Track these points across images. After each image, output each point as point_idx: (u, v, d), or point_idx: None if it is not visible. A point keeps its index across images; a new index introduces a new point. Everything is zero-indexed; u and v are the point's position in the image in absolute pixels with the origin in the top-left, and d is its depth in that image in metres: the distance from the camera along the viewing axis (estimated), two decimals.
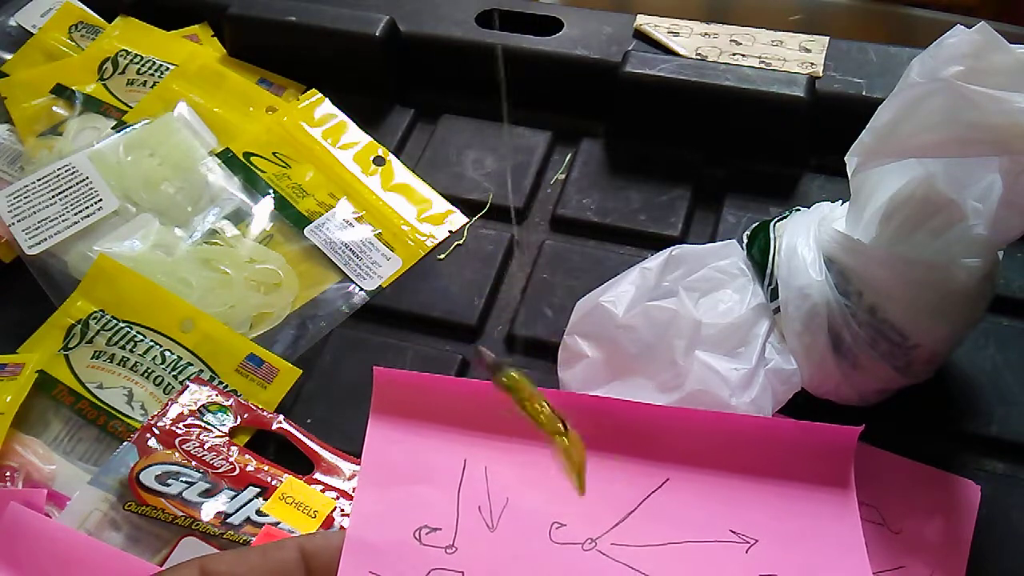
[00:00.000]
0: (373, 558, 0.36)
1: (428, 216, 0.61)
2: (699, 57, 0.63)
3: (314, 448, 0.50)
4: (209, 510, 0.47)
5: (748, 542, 0.37)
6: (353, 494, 0.48)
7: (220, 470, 0.49)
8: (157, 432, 0.50)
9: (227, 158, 0.63)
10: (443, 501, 0.38)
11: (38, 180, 0.61)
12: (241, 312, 0.57)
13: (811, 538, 0.37)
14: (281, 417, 0.52)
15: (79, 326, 0.55)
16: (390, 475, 0.39)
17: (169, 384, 0.53)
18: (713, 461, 0.39)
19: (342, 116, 0.66)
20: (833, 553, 0.36)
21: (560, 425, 0.36)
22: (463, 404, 0.40)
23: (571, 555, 0.36)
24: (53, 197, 0.60)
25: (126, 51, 0.70)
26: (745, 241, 0.52)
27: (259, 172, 0.63)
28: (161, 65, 0.69)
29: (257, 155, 0.64)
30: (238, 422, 0.51)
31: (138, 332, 0.55)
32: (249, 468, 0.49)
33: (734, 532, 0.37)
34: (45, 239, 0.58)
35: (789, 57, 0.63)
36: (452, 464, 0.39)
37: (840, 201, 0.50)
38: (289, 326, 0.57)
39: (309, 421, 0.52)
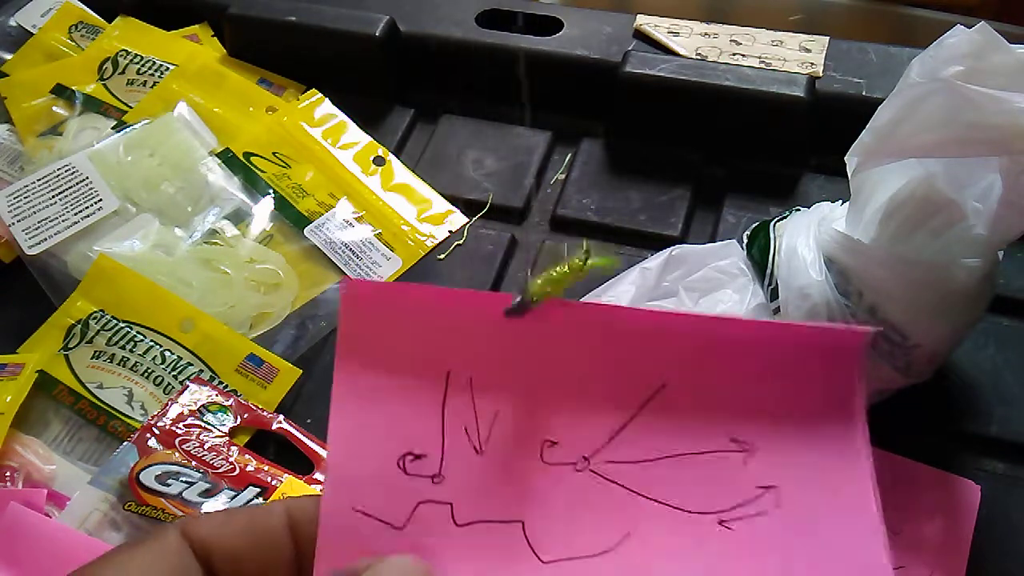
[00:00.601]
0: (357, 494, 0.34)
1: (428, 216, 0.61)
2: (699, 57, 0.63)
3: (314, 448, 0.50)
4: (209, 510, 0.47)
5: (747, 451, 0.34)
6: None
7: (220, 470, 0.49)
8: (157, 432, 0.50)
9: (227, 158, 0.63)
10: (426, 422, 0.35)
11: (38, 180, 0.61)
12: (241, 312, 0.57)
13: (813, 448, 0.34)
14: (281, 417, 0.52)
15: (79, 326, 0.55)
16: (367, 397, 0.35)
17: (169, 384, 0.53)
18: (711, 366, 0.36)
19: (342, 116, 0.66)
20: (836, 464, 0.34)
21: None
22: (443, 313, 0.36)
23: (564, 477, 0.34)
24: (53, 197, 0.60)
25: (126, 51, 0.70)
26: (745, 241, 0.52)
27: (259, 172, 0.63)
28: (161, 65, 0.69)
29: (257, 155, 0.64)
30: (238, 422, 0.51)
31: (138, 332, 0.55)
32: (249, 468, 0.49)
33: (734, 440, 0.35)
34: (45, 239, 0.58)
35: (789, 57, 0.63)
36: (434, 379, 0.35)
37: (840, 201, 0.50)
38: (289, 326, 0.57)
39: (309, 421, 0.52)
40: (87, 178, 0.61)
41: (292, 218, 0.61)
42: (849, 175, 0.45)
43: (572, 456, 0.34)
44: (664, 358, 0.36)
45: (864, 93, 0.60)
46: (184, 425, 0.50)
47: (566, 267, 0.34)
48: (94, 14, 0.73)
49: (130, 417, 0.52)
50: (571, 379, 0.35)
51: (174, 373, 0.53)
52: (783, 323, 0.40)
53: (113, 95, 0.68)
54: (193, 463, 0.49)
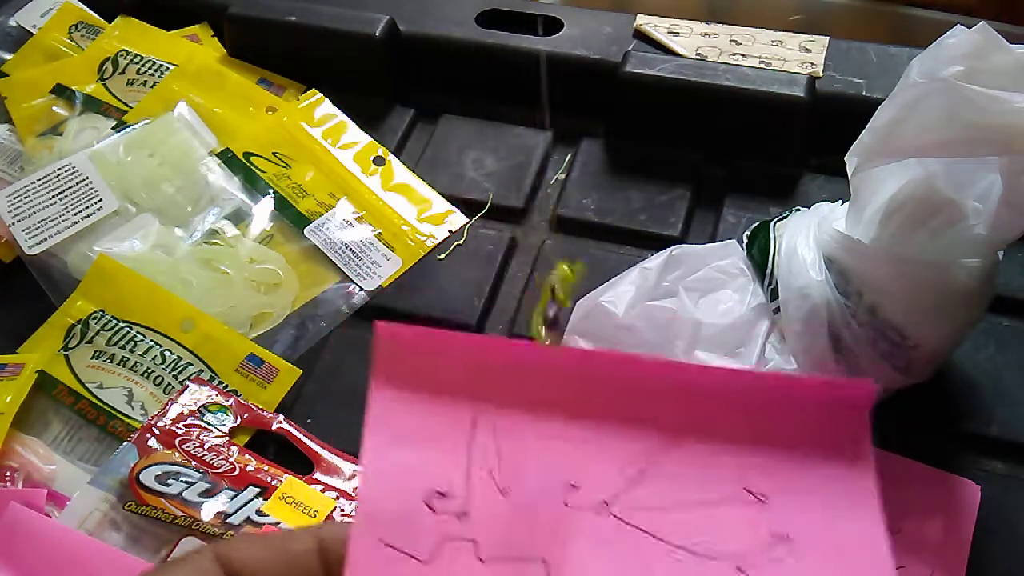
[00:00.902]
0: (384, 527, 0.35)
1: (428, 216, 0.61)
2: (699, 57, 0.63)
3: (314, 448, 0.50)
4: (209, 510, 0.47)
5: (762, 501, 0.36)
6: (355, 494, 0.48)
7: (220, 470, 0.49)
8: (157, 432, 0.50)
9: (227, 158, 0.63)
10: (453, 463, 0.37)
11: (38, 180, 0.61)
12: (241, 312, 0.57)
13: (824, 498, 0.36)
14: (281, 417, 0.52)
15: (79, 326, 0.55)
16: (397, 437, 0.37)
17: (169, 384, 0.53)
18: (723, 417, 0.38)
19: (342, 116, 0.66)
20: (847, 512, 0.35)
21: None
22: (472, 359, 0.38)
23: (585, 520, 0.36)
24: (53, 197, 0.60)
25: (126, 51, 0.70)
26: (745, 241, 0.52)
27: (259, 172, 0.63)
28: (161, 65, 0.69)
29: (257, 155, 0.64)
30: (238, 422, 0.51)
31: (138, 332, 0.55)
32: (249, 468, 0.49)
33: (747, 491, 0.36)
34: (45, 239, 0.58)
35: (789, 57, 0.63)
36: (461, 423, 0.37)
37: (840, 201, 0.50)
38: (289, 326, 0.57)
39: (309, 421, 0.52)
40: (87, 178, 0.61)
41: (292, 218, 0.61)
42: (849, 175, 0.45)
43: (593, 500, 0.36)
44: (678, 409, 0.37)
45: (864, 93, 0.60)
46: (184, 425, 0.50)
47: (550, 292, 0.36)
48: (94, 14, 0.73)
49: (130, 417, 0.52)
50: (592, 426, 0.37)
51: (174, 373, 0.53)
52: (795, 376, 0.42)
53: (113, 95, 0.68)
54: (193, 463, 0.49)
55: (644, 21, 0.66)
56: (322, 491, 0.49)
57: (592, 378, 0.38)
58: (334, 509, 0.48)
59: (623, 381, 0.38)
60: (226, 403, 0.52)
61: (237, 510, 0.47)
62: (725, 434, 0.37)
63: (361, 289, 0.58)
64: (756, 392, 0.38)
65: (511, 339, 0.45)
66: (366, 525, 0.34)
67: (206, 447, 0.50)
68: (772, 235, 0.50)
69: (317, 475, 0.49)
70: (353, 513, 0.48)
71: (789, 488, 0.36)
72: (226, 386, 0.53)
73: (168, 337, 0.55)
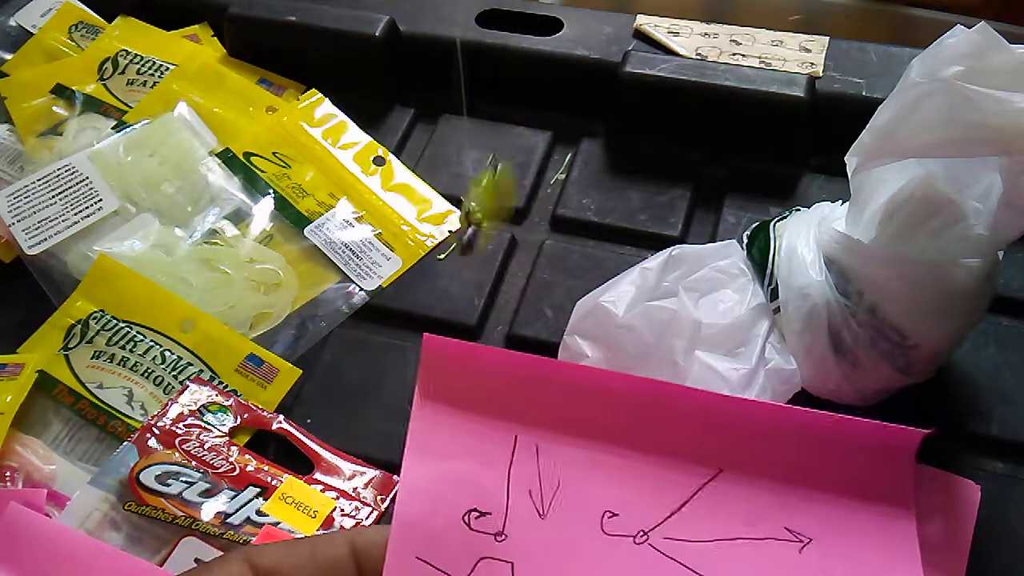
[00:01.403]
0: (421, 543, 0.35)
1: (428, 216, 0.61)
2: (699, 57, 0.63)
3: (314, 448, 0.50)
4: (209, 510, 0.47)
5: (802, 541, 0.36)
6: (354, 493, 0.48)
7: (220, 470, 0.49)
8: (157, 432, 0.50)
9: (227, 158, 0.63)
10: (493, 482, 0.37)
11: (38, 180, 0.61)
12: (241, 312, 0.57)
13: (866, 543, 0.36)
14: (281, 417, 0.52)
15: (79, 326, 0.55)
16: (438, 452, 0.38)
17: (169, 384, 0.53)
18: (768, 454, 0.38)
19: (342, 116, 0.66)
20: (887, 557, 0.36)
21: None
22: (515, 377, 0.38)
23: (623, 549, 0.36)
24: (53, 197, 0.60)
25: (126, 51, 0.70)
26: (745, 241, 0.52)
27: (259, 172, 0.63)
28: (161, 65, 0.69)
29: (257, 155, 0.64)
30: (238, 422, 0.51)
31: (138, 332, 0.55)
32: (249, 468, 0.49)
33: (788, 530, 0.36)
34: (45, 239, 0.58)
35: (789, 57, 0.63)
36: (503, 441, 0.37)
37: (840, 201, 0.50)
38: (289, 326, 0.57)
39: (309, 421, 0.52)
40: (87, 178, 0.61)
41: (292, 218, 0.61)
42: (849, 175, 0.45)
43: (632, 529, 0.36)
44: (722, 443, 0.38)
45: (864, 93, 0.60)
46: (184, 425, 0.50)
47: (483, 183, 0.37)
48: (94, 14, 0.73)
49: (130, 417, 0.52)
50: (633, 454, 0.37)
51: (174, 373, 0.53)
52: (841, 417, 0.42)
53: (113, 95, 0.68)
54: (193, 463, 0.49)
55: (644, 21, 0.66)
56: (322, 491, 0.49)
57: (637, 403, 0.38)
58: (334, 509, 0.48)
59: (669, 410, 0.38)
60: (226, 403, 0.52)
61: (237, 510, 0.47)
62: (769, 471, 0.37)
63: (361, 289, 0.58)
64: (803, 430, 0.38)
65: (559, 361, 0.45)
66: (403, 539, 0.35)
67: (206, 447, 0.50)
68: (772, 235, 0.50)
69: (317, 475, 0.49)
70: (357, 514, 0.48)
71: (831, 531, 0.36)
72: (226, 386, 0.53)
73: (168, 337, 0.55)
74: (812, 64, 0.62)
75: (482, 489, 0.36)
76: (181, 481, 0.48)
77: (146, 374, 0.53)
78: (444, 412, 0.37)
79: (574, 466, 0.37)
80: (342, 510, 0.48)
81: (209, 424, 0.51)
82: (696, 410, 0.38)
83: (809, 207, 0.51)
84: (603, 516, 0.37)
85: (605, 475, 0.37)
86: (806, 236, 0.48)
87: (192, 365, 0.54)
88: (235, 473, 0.49)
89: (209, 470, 0.49)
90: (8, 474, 0.49)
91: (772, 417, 0.38)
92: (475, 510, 0.36)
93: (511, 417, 0.37)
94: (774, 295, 0.48)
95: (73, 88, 0.68)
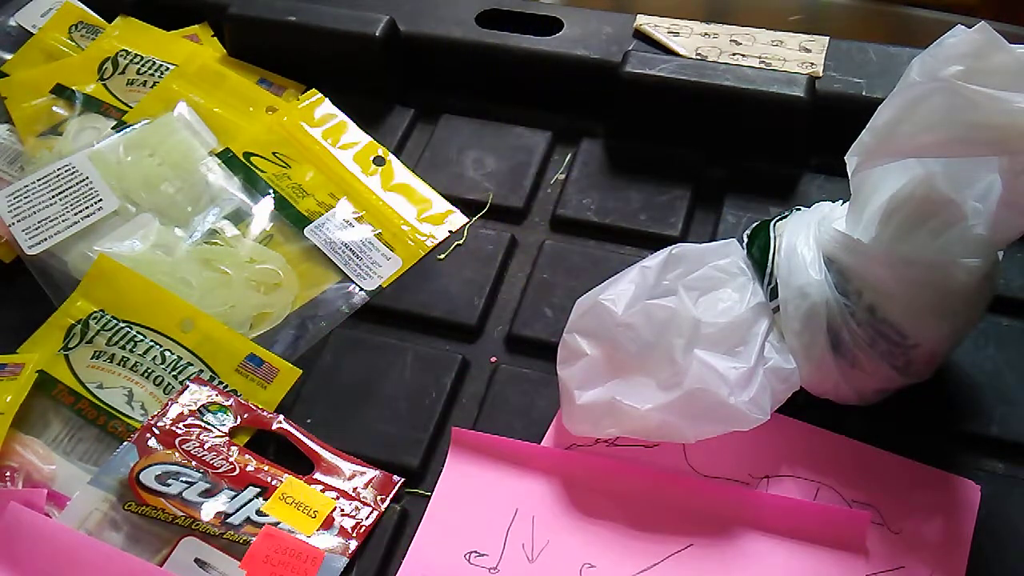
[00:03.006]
0: (426, 572, 0.45)
1: (428, 216, 0.61)
2: (699, 57, 0.63)
3: (314, 448, 0.50)
4: (209, 510, 0.47)
5: None
6: (354, 493, 0.48)
7: (220, 470, 0.49)
8: (157, 432, 0.50)
9: (227, 158, 0.63)
10: (493, 535, 0.46)
11: (38, 180, 0.61)
12: (241, 312, 0.57)
13: None
14: (281, 417, 0.52)
15: (79, 326, 0.55)
16: (454, 509, 0.48)
17: (169, 384, 0.53)
18: (734, 534, 0.45)
19: (342, 116, 0.66)
20: None
21: None
22: (523, 461, 0.49)
23: None
24: (53, 197, 0.60)
25: (126, 51, 0.70)
26: (745, 241, 0.52)
27: (259, 172, 0.63)
28: (161, 65, 0.69)
29: (257, 155, 0.64)
30: (238, 422, 0.51)
31: (138, 332, 0.55)
32: (249, 468, 0.49)
33: None
34: (45, 239, 0.58)
35: (789, 57, 0.63)
36: (506, 510, 0.47)
37: (840, 201, 0.50)
38: (289, 326, 0.57)
39: (309, 421, 0.52)
40: (87, 178, 0.61)
41: (292, 218, 0.61)
42: (849, 175, 0.45)
43: None
44: (694, 522, 0.46)
45: (864, 93, 0.60)
46: (184, 425, 0.50)
47: None
48: (94, 14, 0.73)
49: (130, 417, 0.52)
50: (614, 523, 0.46)
51: (174, 373, 0.53)
52: (801, 501, 0.47)
53: (113, 95, 0.68)
54: (193, 463, 0.49)
55: (644, 21, 0.66)
56: (322, 491, 0.49)
57: (622, 488, 0.47)
58: (334, 509, 0.48)
59: (656, 496, 0.47)
60: (226, 403, 0.52)
61: (237, 510, 0.47)
62: (734, 549, 0.45)
63: (361, 289, 0.58)
64: (766, 514, 0.45)
65: (561, 450, 0.50)
66: (412, 570, 0.45)
67: (206, 447, 0.50)
68: (772, 235, 0.50)
69: (317, 475, 0.49)
70: (357, 514, 0.48)
71: None
72: (226, 386, 0.53)
73: (168, 337, 0.55)
74: (812, 64, 0.62)
75: (484, 538, 0.46)
76: (181, 481, 0.48)
77: (146, 374, 0.53)
78: (464, 483, 0.48)
79: (562, 530, 0.46)
80: (342, 510, 0.48)
81: (209, 424, 0.51)
82: (673, 492, 0.46)
83: (809, 207, 0.51)
84: (583, 567, 0.45)
85: (589, 539, 0.46)
86: (806, 236, 0.48)
87: (192, 365, 0.54)
88: (235, 473, 0.49)
89: (209, 470, 0.49)
90: (8, 474, 0.49)
91: (740, 501, 0.46)
92: (475, 551, 0.46)
93: (515, 493, 0.48)
94: (774, 294, 0.48)
95: (73, 88, 0.68)
